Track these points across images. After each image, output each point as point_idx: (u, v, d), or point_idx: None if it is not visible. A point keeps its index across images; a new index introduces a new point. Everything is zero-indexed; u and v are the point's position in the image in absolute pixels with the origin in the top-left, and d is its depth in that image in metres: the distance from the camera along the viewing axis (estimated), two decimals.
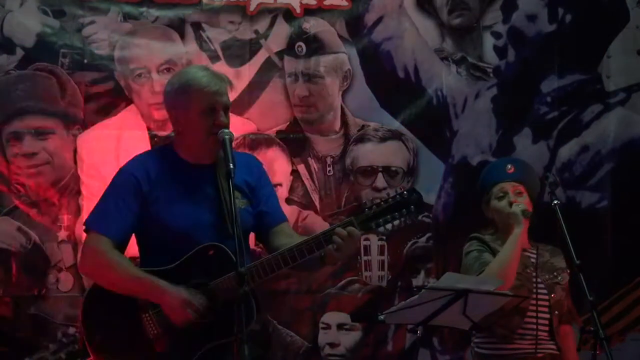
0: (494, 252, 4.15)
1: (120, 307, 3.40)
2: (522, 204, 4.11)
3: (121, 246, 3.48)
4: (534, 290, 4.09)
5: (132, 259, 3.60)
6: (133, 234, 3.53)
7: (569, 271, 4.21)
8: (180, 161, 3.49)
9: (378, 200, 3.42)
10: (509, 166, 4.25)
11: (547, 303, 4.14)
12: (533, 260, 4.19)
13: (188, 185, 3.45)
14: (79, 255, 5.26)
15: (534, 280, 4.13)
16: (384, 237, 5.58)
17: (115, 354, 3.44)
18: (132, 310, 3.40)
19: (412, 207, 3.35)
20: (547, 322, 4.13)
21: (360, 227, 3.35)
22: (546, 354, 4.11)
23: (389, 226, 3.39)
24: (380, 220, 3.36)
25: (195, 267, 3.38)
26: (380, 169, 5.65)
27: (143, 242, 3.53)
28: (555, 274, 4.19)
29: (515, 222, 4.08)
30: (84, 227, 3.56)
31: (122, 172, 3.52)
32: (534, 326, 4.09)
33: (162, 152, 3.59)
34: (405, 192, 3.38)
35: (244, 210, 3.45)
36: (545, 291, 4.14)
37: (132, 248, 3.57)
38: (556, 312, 4.14)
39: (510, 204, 4.13)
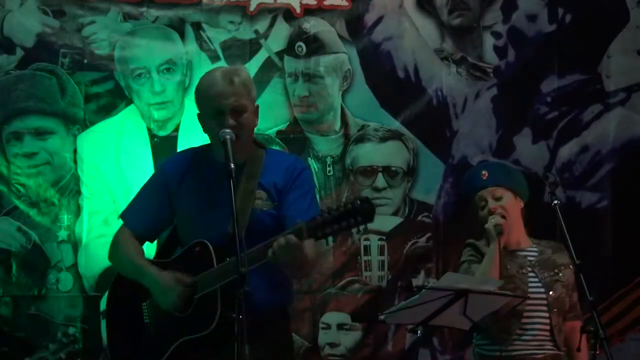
0: None
1: (134, 294, 3.51)
2: (496, 216, 4.05)
3: (145, 239, 3.60)
4: (529, 291, 4.07)
5: None
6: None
7: (572, 267, 4.14)
8: (214, 160, 3.50)
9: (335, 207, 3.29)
10: (483, 172, 4.18)
11: (544, 302, 4.09)
12: (531, 259, 4.17)
13: (214, 183, 3.47)
14: (78, 255, 5.28)
15: (533, 279, 4.11)
16: (384, 237, 5.58)
17: (119, 338, 3.55)
18: (138, 298, 3.50)
19: (359, 217, 3.19)
20: (546, 321, 4.08)
21: (308, 234, 3.24)
22: (547, 355, 4.09)
23: (336, 234, 3.35)
24: (327, 230, 3.23)
25: (185, 262, 3.44)
26: (380, 169, 5.65)
27: (177, 237, 3.61)
28: (556, 270, 4.14)
29: (490, 238, 4.05)
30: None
31: (157, 168, 3.71)
32: (533, 326, 4.07)
33: (200, 151, 3.63)
34: (357, 202, 3.22)
35: (266, 212, 3.47)
36: (542, 290, 4.10)
37: None
38: (555, 310, 4.09)
39: (490, 212, 4.09)
